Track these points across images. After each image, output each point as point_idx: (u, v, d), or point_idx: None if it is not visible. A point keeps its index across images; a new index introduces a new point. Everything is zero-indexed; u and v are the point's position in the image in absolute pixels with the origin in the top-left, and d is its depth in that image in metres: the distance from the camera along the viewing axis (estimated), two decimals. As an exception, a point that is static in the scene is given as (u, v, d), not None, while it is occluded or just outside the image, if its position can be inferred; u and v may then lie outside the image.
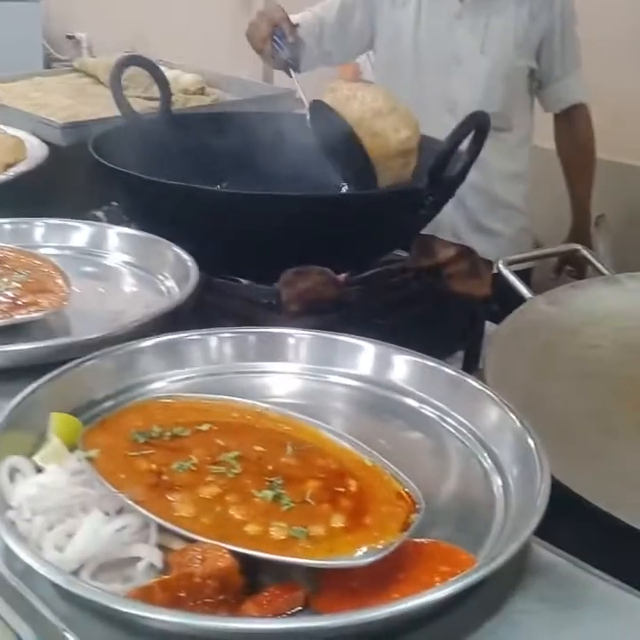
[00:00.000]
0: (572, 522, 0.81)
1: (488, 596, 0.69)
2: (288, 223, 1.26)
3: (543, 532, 0.73)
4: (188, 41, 2.92)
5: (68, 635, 0.65)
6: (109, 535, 0.69)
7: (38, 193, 1.56)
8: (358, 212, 1.32)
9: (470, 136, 1.31)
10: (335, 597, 0.67)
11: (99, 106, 1.89)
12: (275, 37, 1.80)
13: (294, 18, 1.93)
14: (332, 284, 1.30)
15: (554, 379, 1.10)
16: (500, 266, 1.32)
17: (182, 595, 0.65)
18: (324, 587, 0.68)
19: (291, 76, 1.75)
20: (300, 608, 0.66)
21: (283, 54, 1.79)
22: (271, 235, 1.28)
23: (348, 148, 1.42)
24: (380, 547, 0.68)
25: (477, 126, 1.34)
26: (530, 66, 2.00)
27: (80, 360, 0.90)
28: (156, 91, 1.75)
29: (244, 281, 1.35)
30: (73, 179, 1.68)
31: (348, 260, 1.39)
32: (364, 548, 0.68)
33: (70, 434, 0.81)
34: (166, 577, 0.67)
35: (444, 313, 1.38)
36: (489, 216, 2.07)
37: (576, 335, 1.20)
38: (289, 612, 0.66)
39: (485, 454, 0.85)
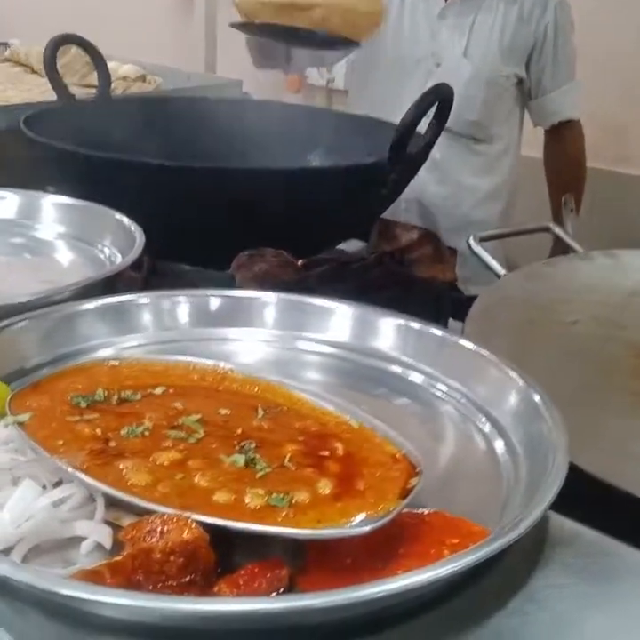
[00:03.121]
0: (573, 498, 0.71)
1: (507, 572, 0.58)
2: (237, 200, 1.14)
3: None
4: (127, 44, 2.80)
5: (-9, 631, 0.51)
6: (45, 509, 0.56)
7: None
8: (313, 187, 1.22)
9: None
10: (325, 576, 0.55)
11: (32, 92, 1.77)
12: None
13: None
14: (291, 266, 1.21)
15: (536, 356, 1.03)
16: (472, 242, 1.24)
17: (139, 577, 0.53)
18: (310, 564, 0.56)
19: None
20: (283, 589, 0.54)
21: None
22: (220, 214, 1.17)
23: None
24: (378, 514, 0.56)
25: (440, 99, 1.27)
26: (517, 74, 1.87)
27: (7, 322, 0.76)
28: (93, 79, 1.64)
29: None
30: (3, 165, 1.55)
31: (303, 244, 1.29)
32: (360, 516, 0.56)
33: (-3, 401, 0.68)
34: (117, 558, 0.54)
35: (408, 298, 1.29)
36: (455, 235, 1.82)
37: (553, 311, 1.14)
38: (271, 595, 0.53)
39: (483, 418, 0.74)
